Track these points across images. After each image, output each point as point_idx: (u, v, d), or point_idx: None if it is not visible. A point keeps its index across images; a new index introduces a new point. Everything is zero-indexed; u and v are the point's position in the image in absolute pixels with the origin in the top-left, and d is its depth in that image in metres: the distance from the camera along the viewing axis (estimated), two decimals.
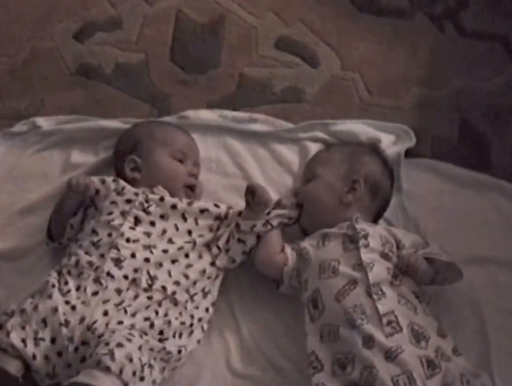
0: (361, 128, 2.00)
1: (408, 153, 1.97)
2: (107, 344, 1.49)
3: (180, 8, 2.21)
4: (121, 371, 1.45)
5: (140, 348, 1.52)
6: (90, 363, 1.47)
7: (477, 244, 1.85)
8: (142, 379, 1.49)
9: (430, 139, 2.04)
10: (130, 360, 1.47)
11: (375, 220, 1.81)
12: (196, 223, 1.77)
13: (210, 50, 2.18)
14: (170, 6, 2.22)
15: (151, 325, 1.61)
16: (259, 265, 1.77)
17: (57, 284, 1.63)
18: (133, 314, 1.60)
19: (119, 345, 1.48)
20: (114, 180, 1.79)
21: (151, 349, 1.57)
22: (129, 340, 1.52)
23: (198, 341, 1.72)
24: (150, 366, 1.55)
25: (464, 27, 2.20)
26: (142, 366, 1.50)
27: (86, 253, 1.68)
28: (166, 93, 2.12)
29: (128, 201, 1.75)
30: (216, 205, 1.81)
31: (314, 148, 1.97)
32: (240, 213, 1.80)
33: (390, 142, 1.98)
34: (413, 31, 2.20)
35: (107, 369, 1.44)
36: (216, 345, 1.76)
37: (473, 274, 1.75)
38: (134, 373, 1.47)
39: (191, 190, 1.84)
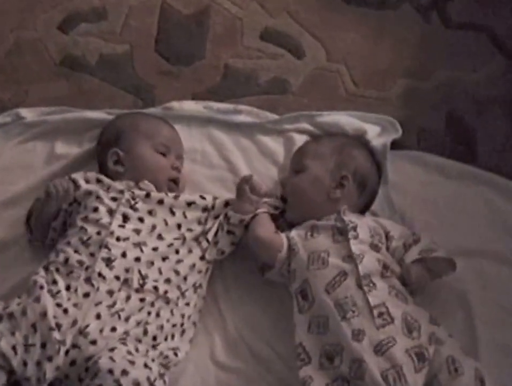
0: (346, 119, 1.99)
1: (394, 145, 1.97)
2: (111, 372, 1.47)
3: None
4: None
5: (145, 365, 1.52)
6: None
7: (463, 236, 1.85)
8: None
9: (416, 131, 2.04)
10: (138, 384, 1.47)
11: (362, 212, 1.82)
12: (185, 217, 1.77)
13: (195, 41, 2.18)
14: None
15: (145, 332, 1.61)
16: (260, 242, 1.73)
17: (45, 285, 1.61)
18: (126, 319, 1.60)
19: (124, 373, 1.47)
20: (98, 181, 1.79)
21: (153, 360, 1.57)
22: (132, 362, 1.50)
23: (190, 341, 1.72)
24: (161, 376, 1.56)
25: (450, 18, 2.20)
26: (151, 384, 1.50)
27: (75, 251, 1.66)
28: (150, 84, 2.12)
29: (114, 199, 1.74)
30: (202, 197, 1.81)
31: (299, 139, 1.97)
32: (226, 203, 1.81)
33: (376, 134, 1.98)
34: (399, 22, 2.20)
35: None
36: (200, 338, 1.75)
37: (460, 266, 1.74)
38: None
39: (174, 183, 1.84)
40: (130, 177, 1.79)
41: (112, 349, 1.52)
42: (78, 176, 1.81)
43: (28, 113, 2.03)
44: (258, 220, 1.75)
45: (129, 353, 1.53)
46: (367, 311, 1.56)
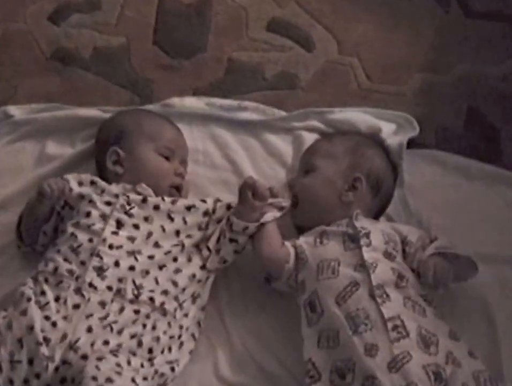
0: (360, 116, 1.98)
1: (411, 143, 1.96)
2: (94, 379, 1.44)
3: None
4: None
5: (133, 380, 1.50)
6: None
7: (485, 241, 1.83)
8: None
9: (434, 128, 2.03)
10: None
11: (376, 217, 1.80)
12: (185, 222, 1.74)
13: (196, 33, 2.17)
14: None
15: (139, 343, 1.58)
16: (264, 260, 1.73)
17: (32, 297, 1.59)
18: (119, 331, 1.57)
19: (109, 380, 1.45)
20: (92, 183, 1.77)
21: (145, 378, 1.55)
22: (118, 373, 1.48)
23: (190, 352, 1.70)
24: None
25: (470, 7, 2.19)
26: None
27: (65, 259, 1.64)
28: (149, 79, 2.11)
29: (108, 203, 1.72)
30: (203, 200, 1.78)
31: (309, 138, 1.95)
32: (228, 206, 1.77)
33: (391, 132, 1.96)
34: (416, 11, 2.19)
35: None
36: (204, 352, 1.73)
37: (481, 274, 1.72)
38: None
39: (177, 190, 1.81)
40: (129, 180, 1.76)
41: (100, 359, 1.51)
42: (71, 177, 1.78)
43: (16, 111, 2.02)
44: (263, 235, 1.72)
45: (118, 365, 1.51)
46: (380, 324, 1.53)
